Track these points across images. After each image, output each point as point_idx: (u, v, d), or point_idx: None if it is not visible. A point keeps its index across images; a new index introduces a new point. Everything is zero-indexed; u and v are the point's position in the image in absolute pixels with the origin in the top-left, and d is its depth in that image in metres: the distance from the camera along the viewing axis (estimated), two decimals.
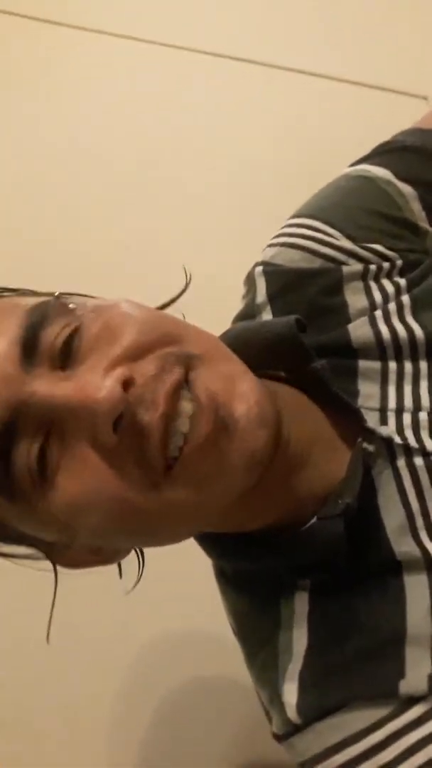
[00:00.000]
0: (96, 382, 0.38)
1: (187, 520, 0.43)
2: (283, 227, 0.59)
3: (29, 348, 0.40)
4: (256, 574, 0.50)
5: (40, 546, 0.47)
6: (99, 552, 0.47)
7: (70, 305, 0.43)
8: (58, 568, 0.50)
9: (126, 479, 0.39)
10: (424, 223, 0.58)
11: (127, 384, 0.38)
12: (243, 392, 0.40)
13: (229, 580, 0.52)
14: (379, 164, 0.60)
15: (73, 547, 0.46)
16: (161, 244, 1.12)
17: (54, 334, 0.41)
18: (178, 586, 0.85)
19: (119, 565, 0.52)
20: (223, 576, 0.53)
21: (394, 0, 1.37)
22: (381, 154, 0.61)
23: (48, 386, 0.39)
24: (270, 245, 0.58)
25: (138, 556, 0.52)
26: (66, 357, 0.40)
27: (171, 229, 1.15)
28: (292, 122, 1.26)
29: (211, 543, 0.51)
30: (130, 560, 0.51)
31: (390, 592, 0.45)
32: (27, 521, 0.43)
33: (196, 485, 0.40)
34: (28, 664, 0.86)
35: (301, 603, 0.47)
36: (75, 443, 0.39)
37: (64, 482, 0.39)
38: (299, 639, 0.46)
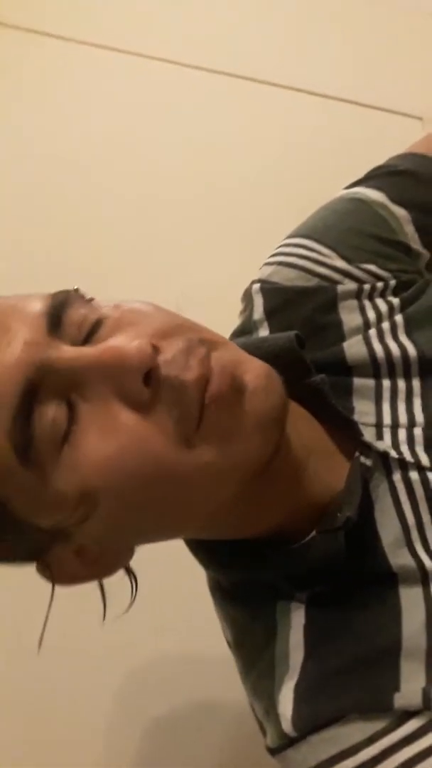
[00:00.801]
0: (123, 343, 0.39)
1: (208, 491, 0.42)
2: (279, 246, 0.61)
3: (54, 322, 0.41)
4: (252, 586, 0.50)
5: (39, 544, 0.44)
6: (97, 562, 0.46)
7: (88, 297, 0.44)
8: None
9: (161, 433, 0.39)
10: (417, 245, 0.60)
11: (155, 349, 0.39)
12: (252, 367, 0.42)
13: (225, 591, 0.52)
14: (374, 187, 0.61)
15: (77, 536, 0.43)
16: (159, 259, 1.14)
17: (77, 316, 0.42)
18: (173, 604, 0.85)
19: (103, 596, 0.50)
20: (218, 588, 0.53)
21: (391, 21, 1.39)
22: (375, 177, 0.63)
23: (74, 351, 0.40)
24: (267, 264, 0.60)
25: (130, 580, 0.51)
26: (88, 340, 0.41)
27: (169, 244, 1.16)
28: (289, 140, 1.27)
29: (208, 554, 0.51)
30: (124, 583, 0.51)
31: (386, 605, 0.45)
32: (37, 494, 0.40)
33: (220, 443, 0.40)
34: (25, 680, 0.86)
35: (298, 615, 0.47)
36: (103, 402, 0.39)
37: (95, 439, 0.39)
38: (296, 651, 0.46)
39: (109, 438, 0.39)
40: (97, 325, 0.42)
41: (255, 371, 0.42)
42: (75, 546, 0.44)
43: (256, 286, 0.58)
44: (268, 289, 0.58)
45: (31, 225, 1.14)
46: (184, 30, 1.32)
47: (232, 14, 1.36)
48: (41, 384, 0.39)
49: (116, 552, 0.47)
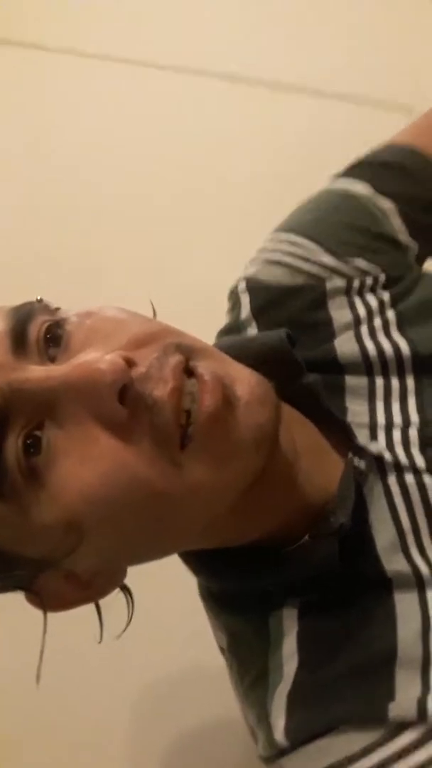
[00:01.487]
0: (95, 358, 0.37)
1: (201, 510, 0.41)
2: (264, 242, 0.59)
3: (19, 340, 0.39)
4: (244, 593, 0.49)
5: (27, 574, 0.43)
6: (89, 585, 0.44)
7: (53, 306, 0.42)
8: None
9: (144, 457, 0.37)
10: (404, 237, 0.59)
11: (129, 362, 0.37)
12: (242, 376, 0.40)
13: (217, 599, 0.51)
14: (359, 179, 0.60)
15: (66, 563, 0.41)
16: (152, 257, 1.14)
17: (39, 325, 0.40)
18: (171, 616, 0.84)
19: (99, 616, 0.48)
20: (210, 596, 0.52)
21: (377, 9, 1.37)
22: (359, 168, 0.62)
23: (42, 372, 0.38)
24: (252, 261, 0.58)
25: (126, 597, 0.49)
26: (54, 347, 0.39)
27: (161, 241, 1.16)
28: (277, 135, 1.26)
29: (199, 562, 0.50)
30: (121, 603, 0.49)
31: (380, 612, 0.44)
32: (20, 527, 0.38)
33: (213, 463, 0.38)
34: (30, 709, 0.85)
35: (291, 622, 0.46)
36: (79, 425, 0.37)
37: (74, 467, 0.37)
38: (289, 659, 0.45)
39: (88, 464, 0.37)
40: (61, 333, 0.40)
41: (246, 381, 0.40)
42: (64, 572, 0.43)
43: (242, 284, 0.57)
44: (255, 287, 0.56)
45: (28, 231, 1.15)
46: (167, 33, 1.32)
47: (218, 13, 1.36)
48: (11, 410, 0.37)
49: (109, 574, 0.46)
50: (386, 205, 0.58)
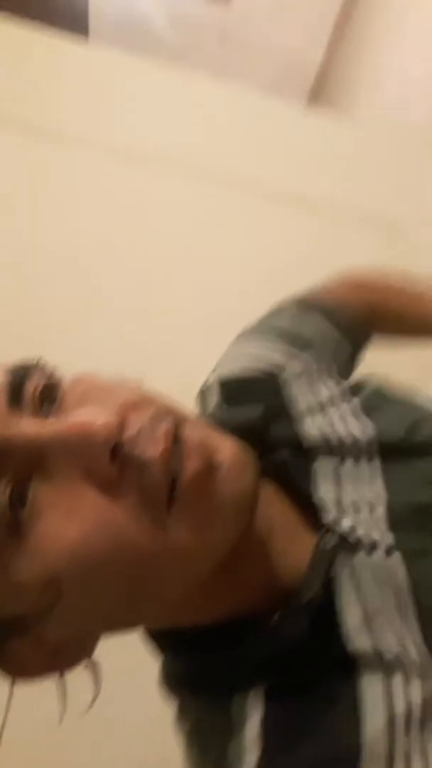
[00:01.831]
0: (89, 416, 0.38)
1: (180, 573, 0.41)
2: (229, 345, 0.67)
3: (15, 395, 0.40)
4: (208, 675, 0.47)
5: None
6: (57, 653, 0.43)
7: (51, 366, 0.44)
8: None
9: (130, 516, 0.37)
10: (338, 336, 0.68)
11: (121, 424, 0.38)
12: (225, 444, 0.41)
13: (180, 681, 0.49)
14: (289, 301, 0.73)
15: (40, 625, 0.41)
16: (141, 343, 1.23)
17: (36, 383, 0.41)
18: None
19: (63, 694, 0.46)
20: (172, 678, 0.50)
21: (366, 136, 1.51)
22: (287, 300, 0.74)
23: (36, 426, 0.38)
24: (219, 362, 0.65)
25: (93, 674, 0.47)
26: (49, 404, 0.40)
27: (148, 333, 1.26)
28: (275, 247, 1.37)
29: (166, 639, 0.49)
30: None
31: (347, 699, 0.42)
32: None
33: (196, 525, 0.39)
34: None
35: (256, 707, 0.44)
36: (67, 481, 0.38)
37: (59, 521, 0.37)
38: (251, 746, 0.43)
39: (74, 519, 0.37)
40: (56, 392, 0.41)
41: (228, 449, 0.41)
42: (33, 636, 0.42)
43: (210, 380, 0.62)
44: (222, 381, 0.61)
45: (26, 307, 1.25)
46: (169, 134, 1.46)
47: (225, 122, 1.51)
48: (0, 462, 0.38)
49: (79, 641, 0.45)
50: (316, 315, 0.70)
